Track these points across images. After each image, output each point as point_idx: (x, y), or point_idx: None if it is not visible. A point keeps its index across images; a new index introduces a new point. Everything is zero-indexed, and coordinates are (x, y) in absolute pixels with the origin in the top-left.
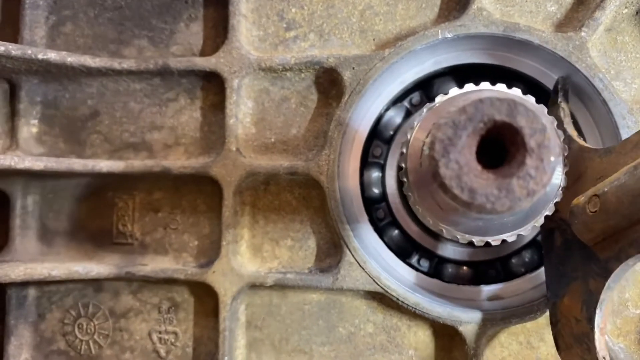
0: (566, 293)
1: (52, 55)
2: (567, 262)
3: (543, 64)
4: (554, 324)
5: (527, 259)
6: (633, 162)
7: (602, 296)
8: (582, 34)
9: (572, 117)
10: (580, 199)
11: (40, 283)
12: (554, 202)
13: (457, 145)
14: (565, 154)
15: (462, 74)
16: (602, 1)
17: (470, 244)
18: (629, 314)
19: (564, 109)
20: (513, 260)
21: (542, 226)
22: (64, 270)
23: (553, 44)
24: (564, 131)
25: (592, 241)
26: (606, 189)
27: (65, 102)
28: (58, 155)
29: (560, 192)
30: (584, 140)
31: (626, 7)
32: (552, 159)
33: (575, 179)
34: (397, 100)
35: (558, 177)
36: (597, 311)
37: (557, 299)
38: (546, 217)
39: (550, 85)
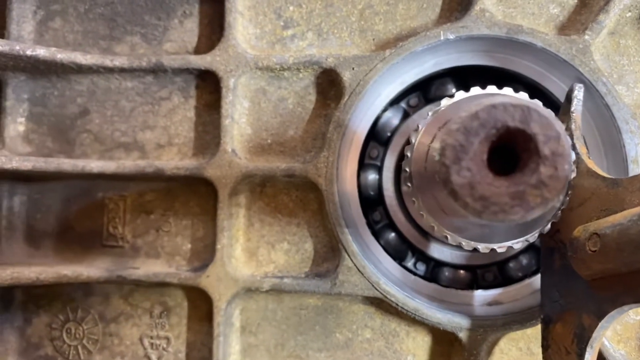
0: (560, 319)
1: (42, 52)
2: (564, 288)
3: (544, 67)
4: (544, 347)
5: (524, 264)
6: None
7: (594, 334)
8: (586, 37)
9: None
10: (582, 232)
11: (27, 286)
12: (560, 209)
13: (468, 151)
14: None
15: (461, 76)
16: (606, 4)
17: (474, 250)
18: (630, 320)
19: (575, 120)
20: (510, 265)
21: (542, 244)
22: (52, 274)
23: (556, 46)
24: (573, 147)
25: (590, 277)
26: (608, 231)
27: (54, 100)
28: (46, 154)
29: (568, 199)
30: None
31: (630, 11)
32: (566, 167)
33: (579, 203)
34: (394, 102)
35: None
36: (588, 348)
37: (550, 324)
38: (548, 234)
39: (552, 89)
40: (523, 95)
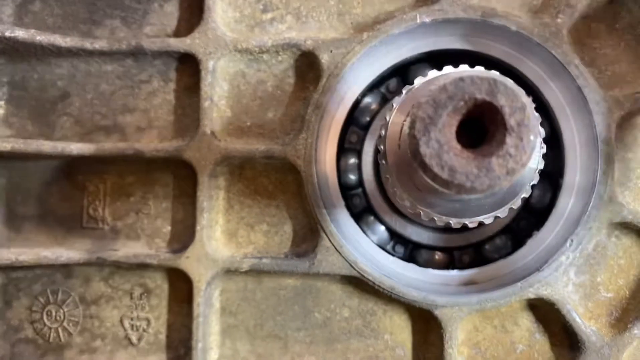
0: None
1: (20, 33)
2: None
3: (520, 51)
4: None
5: (500, 245)
6: None
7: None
8: (559, 20)
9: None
10: None
11: (7, 269)
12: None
13: (437, 123)
14: None
15: (438, 62)
16: None
17: (446, 228)
18: (601, 298)
19: None
20: (486, 246)
21: None
22: (32, 256)
23: (530, 29)
24: None
25: None
26: None
27: (34, 83)
28: (26, 137)
29: (537, 174)
30: None
31: None
32: (532, 137)
33: None
34: (374, 87)
35: (536, 159)
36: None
37: None
38: None
39: (528, 74)
40: (494, 73)
